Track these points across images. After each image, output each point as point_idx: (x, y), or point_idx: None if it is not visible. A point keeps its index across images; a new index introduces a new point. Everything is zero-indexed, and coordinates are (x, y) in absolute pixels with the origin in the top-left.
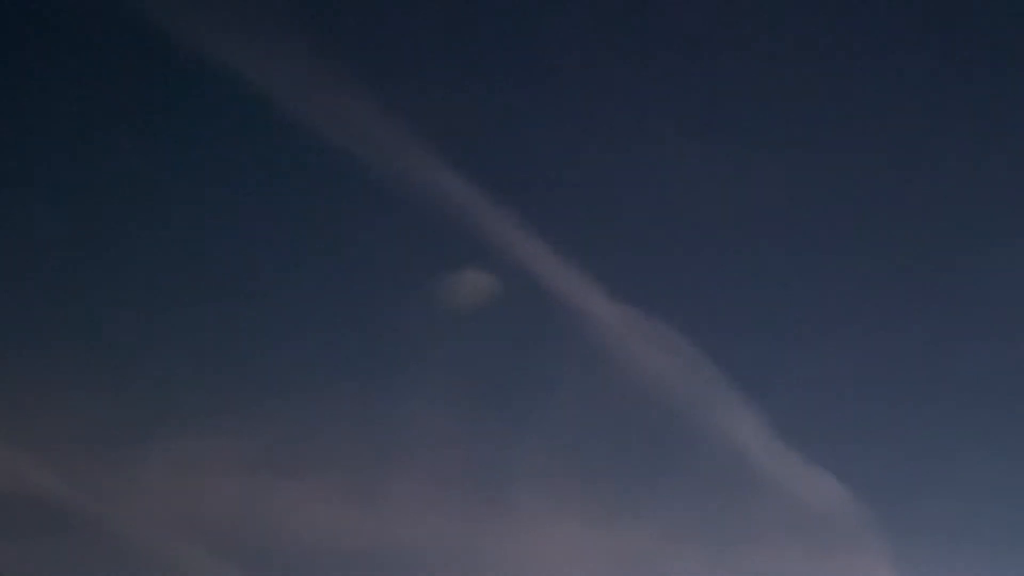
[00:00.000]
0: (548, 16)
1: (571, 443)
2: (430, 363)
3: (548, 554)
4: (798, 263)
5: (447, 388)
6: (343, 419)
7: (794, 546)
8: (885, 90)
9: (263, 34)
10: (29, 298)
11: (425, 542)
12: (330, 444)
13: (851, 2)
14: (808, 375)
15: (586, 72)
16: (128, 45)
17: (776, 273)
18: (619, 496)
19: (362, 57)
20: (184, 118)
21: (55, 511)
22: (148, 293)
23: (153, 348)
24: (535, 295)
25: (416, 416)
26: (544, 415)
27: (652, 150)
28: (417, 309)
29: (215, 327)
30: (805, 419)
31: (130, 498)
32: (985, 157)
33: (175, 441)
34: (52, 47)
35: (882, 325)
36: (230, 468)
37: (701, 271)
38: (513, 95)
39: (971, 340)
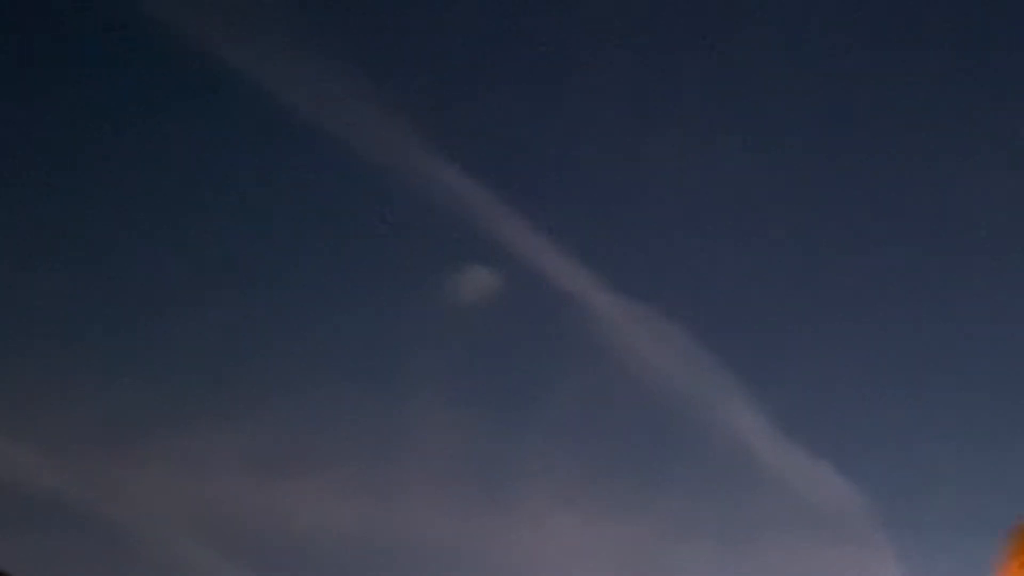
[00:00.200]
0: (552, 16)
1: (576, 437)
2: (435, 359)
3: (553, 547)
4: (802, 258)
5: (452, 383)
6: (349, 415)
7: (799, 539)
8: (891, 88)
9: (269, 32)
10: (34, 297)
11: (430, 536)
12: (336, 440)
13: (854, 2)
14: (812, 371)
15: (590, 70)
16: (131, 42)
17: (780, 269)
18: (624, 490)
19: (369, 56)
20: (188, 116)
21: (62, 507)
22: (153, 291)
23: (158, 346)
24: (539, 291)
25: (421, 411)
26: (549, 410)
27: (655, 147)
28: (422, 305)
29: (222, 324)
30: (810, 414)
31: (137, 494)
32: (991, 147)
33: (182, 438)
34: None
35: (887, 320)
36: (237, 464)
37: (705, 267)
38: (517, 93)
39: (976, 335)
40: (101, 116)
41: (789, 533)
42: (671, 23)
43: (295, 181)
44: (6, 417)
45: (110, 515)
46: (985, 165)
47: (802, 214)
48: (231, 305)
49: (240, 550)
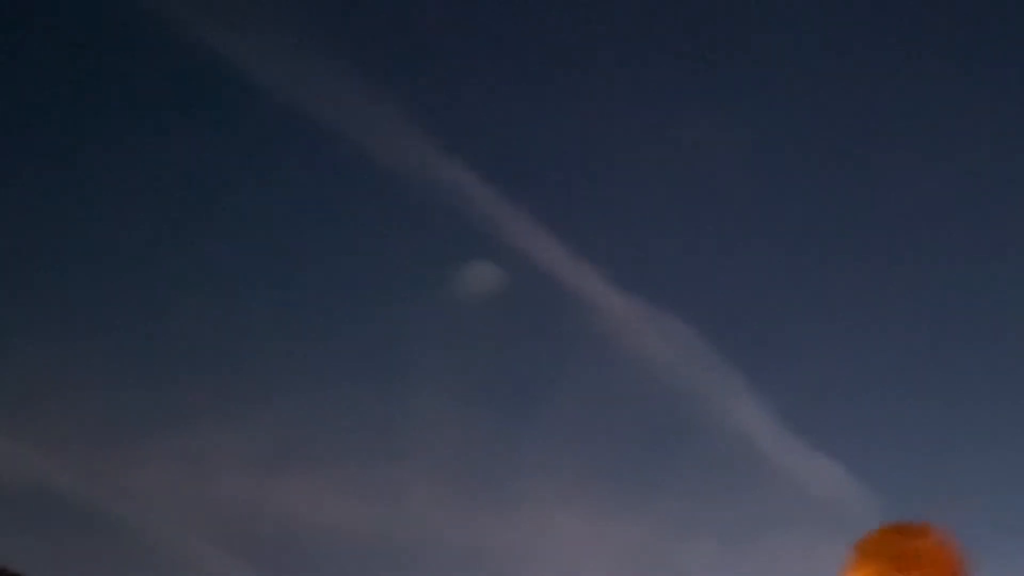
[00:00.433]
0: (556, 11)
1: (581, 434)
2: (439, 356)
3: (556, 544)
4: (810, 255)
5: (455, 380)
6: (353, 413)
7: (804, 537)
8: (896, 85)
9: (271, 30)
10: (37, 296)
11: (434, 533)
12: (340, 438)
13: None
14: (819, 367)
15: (594, 65)
16: (134, 40)
17: (787, 265)
18: (629, 488)
19: (373, 51)
20: (192, 113)
21: (66, 506)
22: (158, 288)
23: (162, 343)
24: (544, 288)
25: (425, 408)
26: (553, 407)
27: (659, 142)
28: (426, 302)
29: (223, 322)
30: (818, 412)
31: (141, 492)
32: (998, 145)
33: (185, 436)
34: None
35: (890, 313)
36: (241, 462)
37: (712, 264)
38: (521, 88)
39: (980, 329)
40: (102, 116)
41: (794, 531)
42: (676, 22)
43: (297, 178)
44: (8, 416)
45: (114, 514)
46: (994, 162)
47: (810, 210)
48: (234, 303)
49: (243, 548)
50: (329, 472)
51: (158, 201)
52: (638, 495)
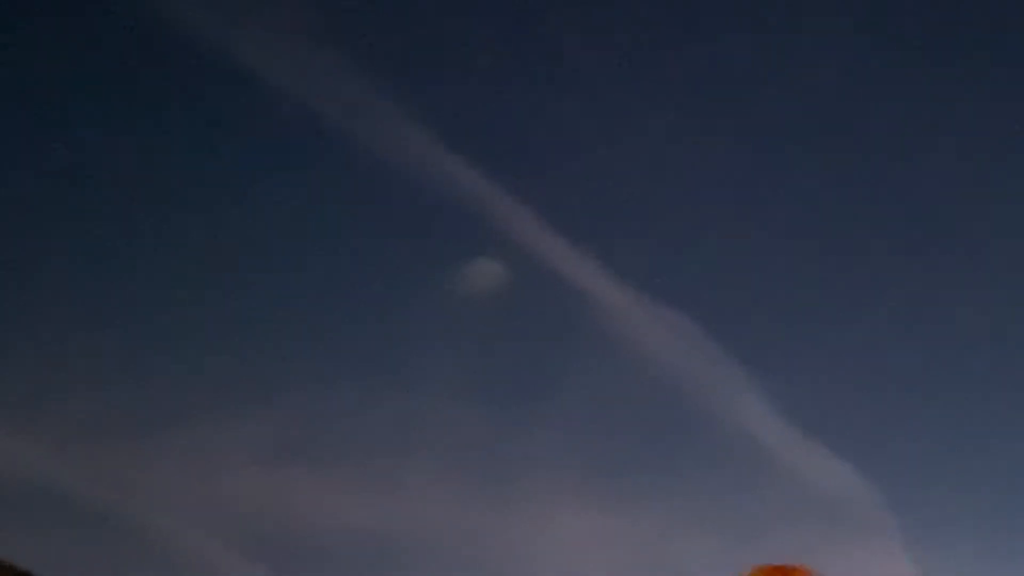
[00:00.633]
0: (556, 11)
1: (585, 430)
2: (444, 352)
3: (562, 540)
4: (814, 252)
5: (458, 378)
6: (358, 410)
7: (809, 533)
8: (896, 85)
9: (278, 29)
10: (43, 295)
11: (439, 529)
12: (345, 434)
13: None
14: (824, 364)
15: (596, 64)
16: (134, 40)
17: (792, 262)
18: (634, 484)
19: (377, 51)
20: (192, 112)
21: (73, 504)
22: (164, 286)
23: (165, 340)
24: (548, 284)
25: (427, 406)
26: (558, 403)
27: (661, 141)
28: (431, 299)
29: (229, 319)
30: (822, 408)
31: (148, 489)
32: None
33: (191, 434)
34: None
35: (898, 313)
36: (247, 459)
37: (716, 259)
38: (525, 87)
39: (984, 328)
40: (102, 115)
41: (799, 526)
42: (679, 21)
43: (301, 176)
44: (15, 414)
45: (122, 511)
46: (993, 161)
47: (812, 210)
48: (239, 300)
49: (251, 544)
50: (331, 469)
51: (161, 198)
52: (645, 491)
